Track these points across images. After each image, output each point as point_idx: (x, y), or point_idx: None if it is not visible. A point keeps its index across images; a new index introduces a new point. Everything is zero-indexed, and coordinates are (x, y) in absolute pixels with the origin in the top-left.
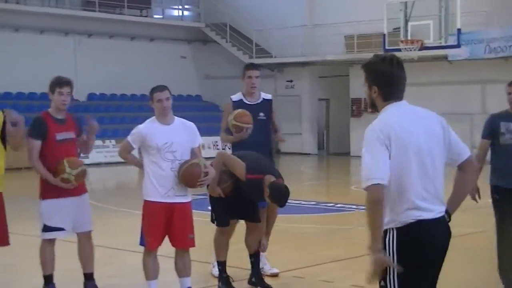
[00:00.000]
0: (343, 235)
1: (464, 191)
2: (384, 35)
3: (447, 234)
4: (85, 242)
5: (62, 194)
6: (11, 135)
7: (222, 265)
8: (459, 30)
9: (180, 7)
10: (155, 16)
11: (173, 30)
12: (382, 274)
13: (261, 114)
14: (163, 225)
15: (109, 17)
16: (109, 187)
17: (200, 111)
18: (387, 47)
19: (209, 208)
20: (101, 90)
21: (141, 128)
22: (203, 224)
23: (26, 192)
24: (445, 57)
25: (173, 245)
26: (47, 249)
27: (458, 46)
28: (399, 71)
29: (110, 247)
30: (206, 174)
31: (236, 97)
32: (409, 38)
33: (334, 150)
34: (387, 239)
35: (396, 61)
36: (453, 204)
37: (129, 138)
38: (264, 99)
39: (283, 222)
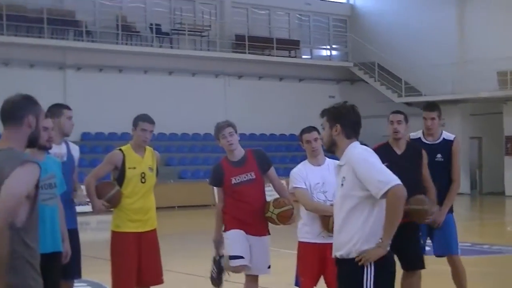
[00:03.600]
0: (499, 278)
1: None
2: None
3: None
4: (250, 284)
5: (242, 228)
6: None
7: None
8: None
9: (328, 47)
10: (304, 57)
11: (321, 70)
12: None
13: (439, 155)
14: (317, 265)
15: (258, 58)
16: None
17: None
18: None
19: None
20: (250, 130)
21: (294, 171)
22: None
23: (178, 230)
24: None
25: (328, 286)
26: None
27: None
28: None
29: (264, 287)
30: None
31: (415, 134)
32: None
33: (488, 189)
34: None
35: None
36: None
37: (295, 185)
38: (444, 139)
39: (436, 263)
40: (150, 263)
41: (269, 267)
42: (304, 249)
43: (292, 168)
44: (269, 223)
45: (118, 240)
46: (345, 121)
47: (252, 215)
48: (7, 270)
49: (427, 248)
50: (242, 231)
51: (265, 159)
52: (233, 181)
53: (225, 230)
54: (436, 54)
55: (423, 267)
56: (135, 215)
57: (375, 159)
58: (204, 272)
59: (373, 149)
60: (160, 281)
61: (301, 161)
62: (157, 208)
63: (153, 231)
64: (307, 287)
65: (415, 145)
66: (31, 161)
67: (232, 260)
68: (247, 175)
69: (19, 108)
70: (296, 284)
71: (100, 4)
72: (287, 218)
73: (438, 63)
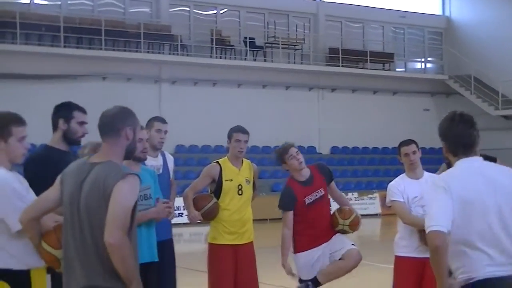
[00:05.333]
0: None
1: None
2: None
3: None
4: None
5: (311, 244)
6: None
7: None
8: None
9: (423, 59)
10: (398, 70)
11: (415, 83)
12: None
13: None
14: (415, 280)
15: (352, 71)
16: (351, 239)
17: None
18: None
19: None
20: (343, 143)
21: (392, 184)
22: None
23: (271, 242)
24: None
25: None
26: None
27: None
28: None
29: None
30: None
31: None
32: None
33: None
34: None
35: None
36: None
37: (392, 198)
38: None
39: None
40: (247, 275)
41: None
42: (401, 263)
43: (386, 181)
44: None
45: (215, 252)
46: (447, 138)
47: (324, 229)
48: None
49: None
50: (311, 251)
51: (329, 172)
52: (307, 201)
53: (295, 252)
54: None
55: None
56: (232, 227)
57: (441, 194)
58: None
59: None
60: None
61: (394, 174)
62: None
63: (250, 243)
64: None
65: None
66: (131, 173)
67: (301, 284)
68: (317, 192)
69: (117, 120)
70: None
71: (195, 18)
72: (357, 225)
73: None
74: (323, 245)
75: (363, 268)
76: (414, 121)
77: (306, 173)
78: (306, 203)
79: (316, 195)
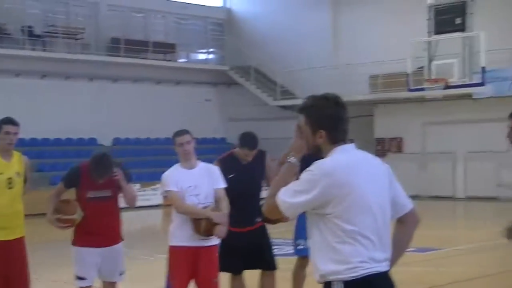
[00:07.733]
0: None
1: (404, 245)
2: (408, 74)
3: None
4: None
5: (90, 243)
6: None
7: None
8: (483, 68)
9: (205, 50)
10: (180, 60)
11: (198, 74)
12: None
13: None
14: (189, 269)
15: (133, 61)
16: (133, 231)
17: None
18: (411, 87)
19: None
20: (126, 134)
21: (166, 174)
22: None
23: (49, 237)
24: (469, 96)
25: None
26: None
27: (482, 84)
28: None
29: None
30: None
31: None
32: (433, 77)
33: None
34: None
35: (340, 101)
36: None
37: (167, 188)
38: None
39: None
40: (18, 271)
41: (121, 274)
42: (175, 252)
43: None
44: None
45: None
46: (331, 122)
47: (105, 227)
48: None
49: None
50: (90, 249)
51: (128, 175)
52: (89, 195)
53: (74, 244)
54: (312, 57)
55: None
56: (2, 222)
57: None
58: (71, 278)
59: (219, 160)
60: None
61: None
62: (27, 216)
63: (21, 238)
64: None
65: (261, 152)
66: None
67: (76, 281)
68: (105, 191)
69: None
70: None
71: None
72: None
73: (313, 66)
74: (103, 248)
75: (142, 259)
76: (197, 111)
77: None
78: (88, 196)
79: (102, 193)
